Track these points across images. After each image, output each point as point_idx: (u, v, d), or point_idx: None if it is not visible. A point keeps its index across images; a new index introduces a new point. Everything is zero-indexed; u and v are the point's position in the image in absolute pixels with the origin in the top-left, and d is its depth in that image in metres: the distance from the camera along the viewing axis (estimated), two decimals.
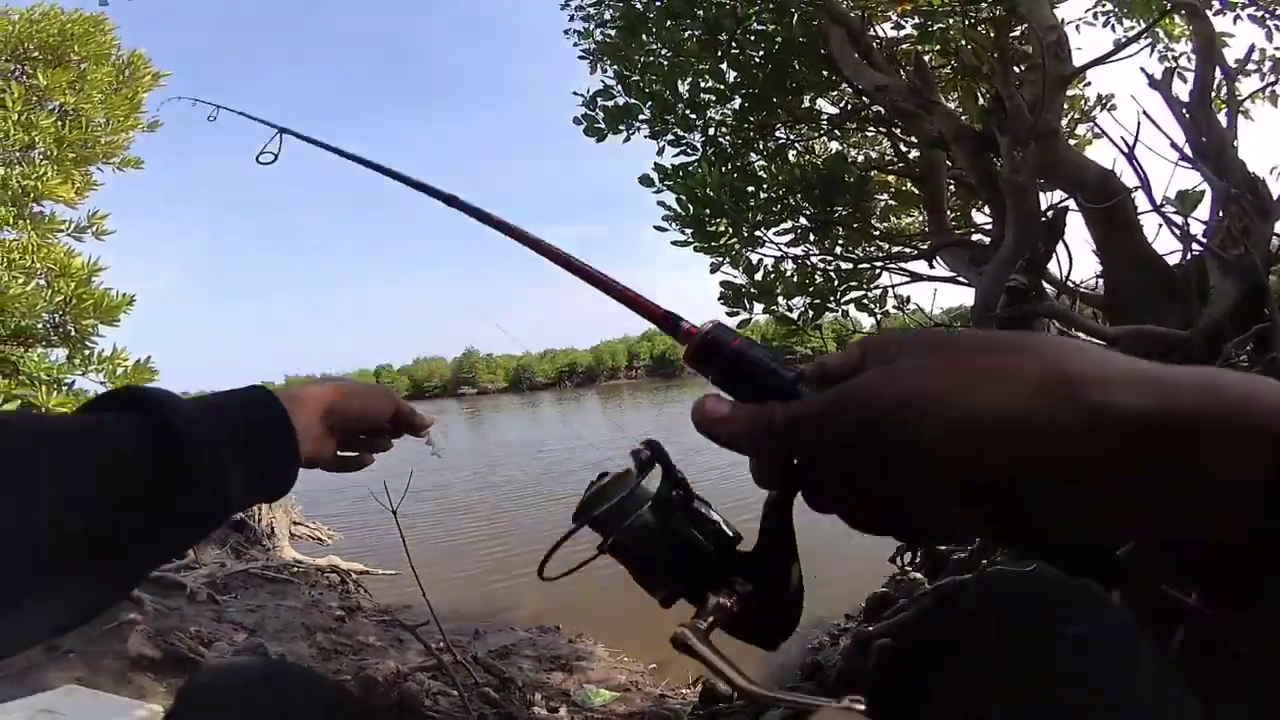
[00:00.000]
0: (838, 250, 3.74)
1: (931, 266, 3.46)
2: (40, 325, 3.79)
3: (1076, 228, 2.80)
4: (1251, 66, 3.35)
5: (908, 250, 3.68)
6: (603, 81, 4.01)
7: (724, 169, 3.77)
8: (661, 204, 3.59)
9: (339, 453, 0.75)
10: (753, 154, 3.99)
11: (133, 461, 0.50)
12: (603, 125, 3.88)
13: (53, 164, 3.89)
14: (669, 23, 3.79)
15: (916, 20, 3.64)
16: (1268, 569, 0.32)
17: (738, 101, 3.90)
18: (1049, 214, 2.63)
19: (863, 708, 0.36)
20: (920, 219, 4.21)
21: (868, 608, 3.88)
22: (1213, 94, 2.62)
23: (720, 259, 3.55)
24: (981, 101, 3.07)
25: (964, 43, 3.40)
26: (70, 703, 1.86)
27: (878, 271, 3.59)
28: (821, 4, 3.34)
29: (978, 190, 3.17)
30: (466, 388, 74.27)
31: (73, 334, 3.85)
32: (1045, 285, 2.73)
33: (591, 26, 4.32)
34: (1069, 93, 3.34)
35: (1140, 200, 2.42)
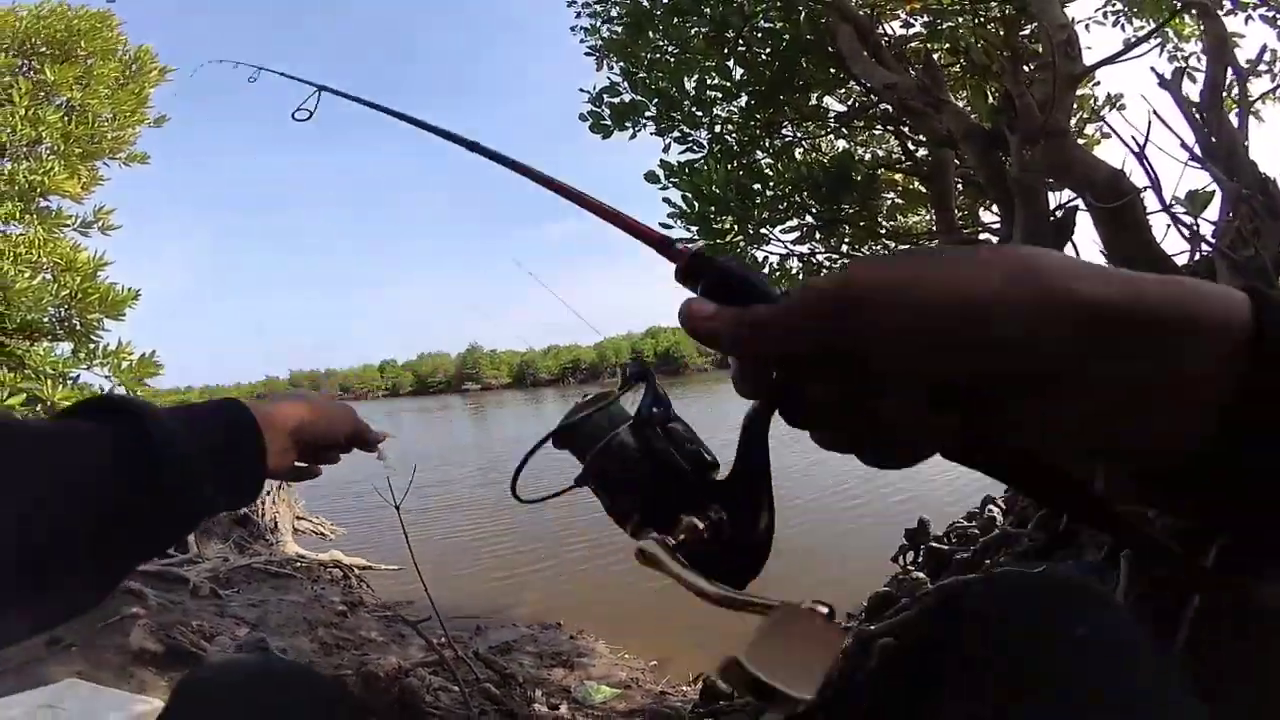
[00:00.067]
0: (844, 248, 3.72)
1: None
2: (46, 319, 3.81)
3: (1085, 228, 2.78)
4: (1263, 67, 3.33)
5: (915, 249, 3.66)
6: (609, 78, 4.01)
7: (730, 166, 3.76)
8: (667, 201, 3.59)
9: (295, 464, 0.78)
10: (759, 151, 3.97)
11: (111, 468, 0.52)
12: (609, 122, 3.87)
13: (59, 159, 3.90)
14: (676, 20, 3.78)
15: (925, 19, 3.62)
16: None
17: (744, 98, 3.89)
18: (1058, 213, 2.61)
19: (826, 610, 0.35)
20: (928, 218, 4.19)
21: (869, 607, 3.87)
22: (1224, 94, 2.60)
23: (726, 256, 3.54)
24: (991, 100, 3.06)
25: (974, 41, 3.38)
26: (71, 697, 1.87)
27: None
28: (830, 2, 3.33)
29: (986, 189, 3.16)
30: (470, 383, 74.43)
31: (78, 328, 3.86)
32: None
33: (598, 23, 4.32)
34: (1078, 92, 3.32)
35: (1150, 200, 2.40)
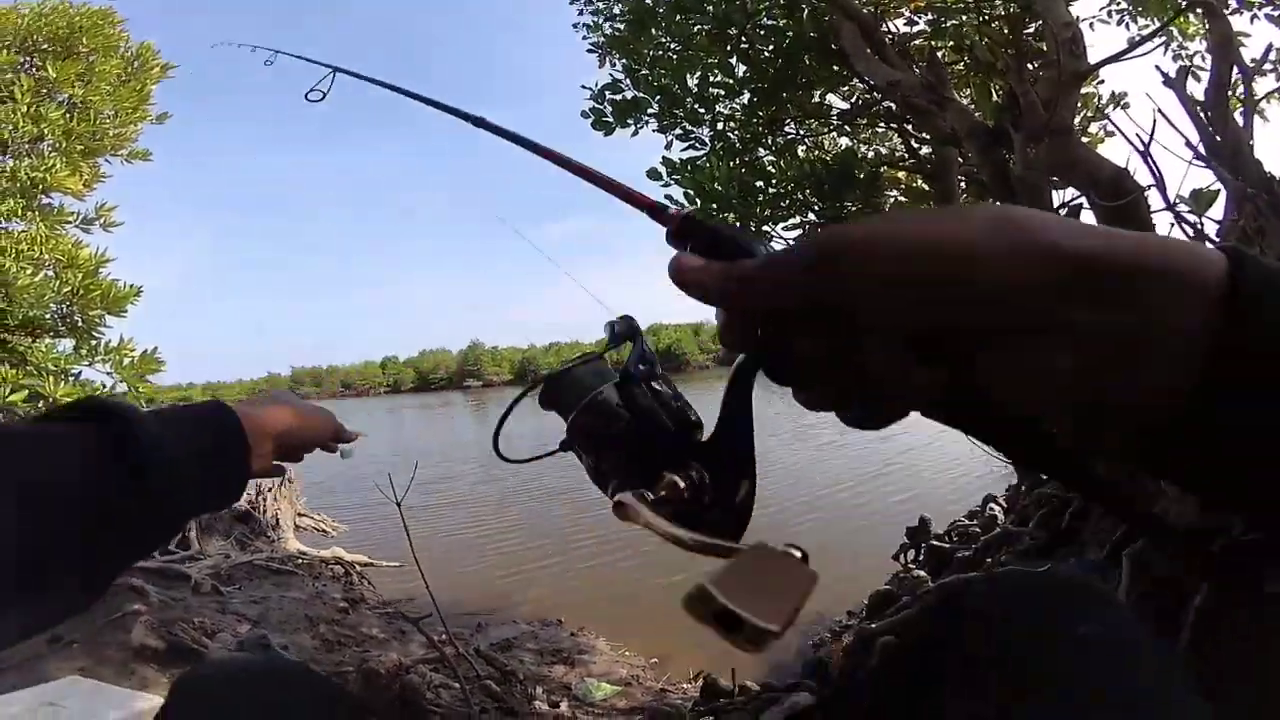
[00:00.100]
0: None
1: None
2: (48, 316, 3.81)
3: None
4: (1268, 66, 3.31)
5: None
6: (611, 75, 4.00)
7: (732, 163, 3.75)
8: (669, 198, 3.58)
9: (272, 464, 0.79)
10: (761, 149, 3.97)
11: (96, 471, 0.52)
12: (611, 119, 3.86)
13: (61, 156, 3.90)
14: (678, 16, 3.77)
15: (929, 16, 3.61)
16: None
17: (747, 95, 3.88)
18: (1062, 211, 2.60)
19: (800, 554, 0.35)
20: None
21: (870, 605, 3.87)
22: (1229, 93, 2.59)
23: None
24: (995, 97, 3.05)
25: (979, 38, 3.37)
26: (72, 694, 1.87)
27: None
28: None
29: (990, 187, 3.15)
30: (472, 380, 74.43)
31: (80, 325, 3.86)
32: None
33: (600, 20, 4.31)
34: (1082, 90, 3.31)
35: (1154, 199, 2.39)
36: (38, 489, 0.48)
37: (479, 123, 0.80)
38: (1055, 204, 2.60)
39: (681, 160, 3.75)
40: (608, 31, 4.26)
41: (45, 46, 3.98)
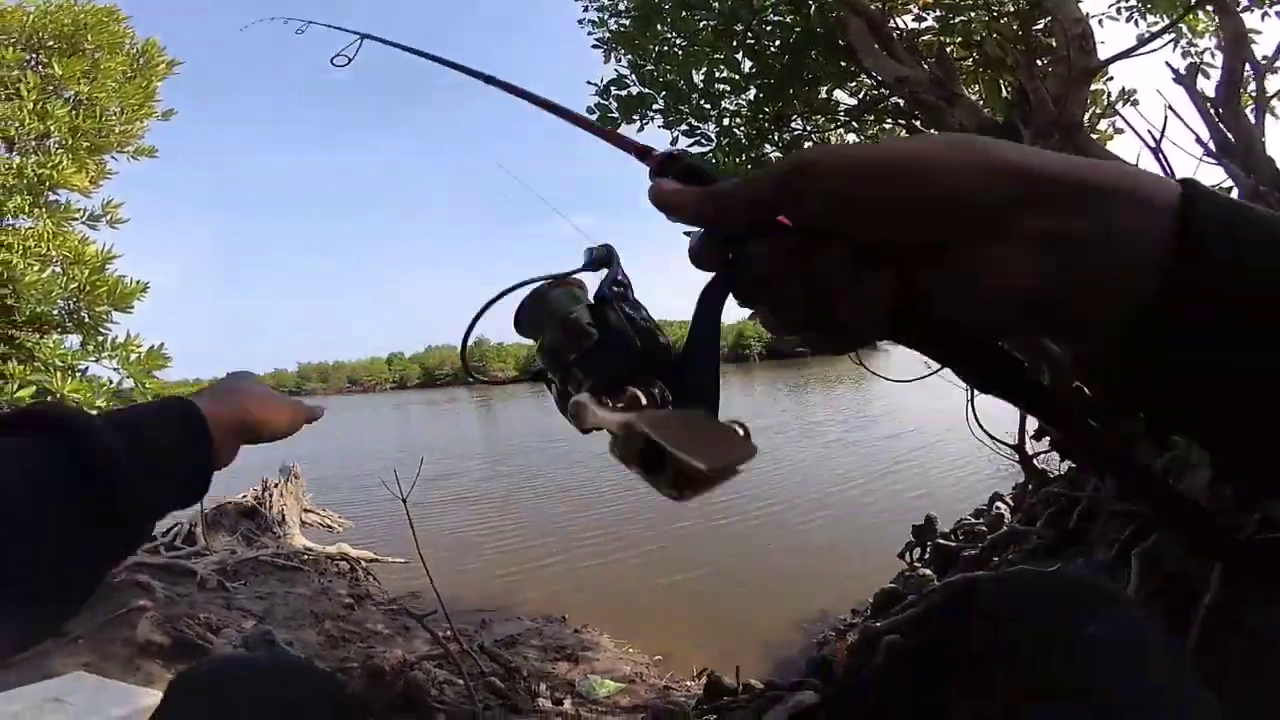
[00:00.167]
0: None
1: None
2: (55, 312, 3.82)
3: None
4: None
5: None
6: (617, 71, 3.98)
7: (738, 160, 3.74)
8: None
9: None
10: (767, 145, 3.95)
11: (49, 490, 0.49)
12: (616, 115, 3.85)
13: (67, 153, 3.90)
14: (684, 13, 3.75)
15: (938, 13, 3.59)
16: None
17: (753, 91, 3.86)
18: None
19: (743, 431, 0.36)
20: None
21: (875, 604, 3.86)
22: (1241, 90, 2.56)
23: None
24: (1005, 94, 3.02)
25: (989, 34, 3.34)
26: (77, 689, 1.87)
27: None
28: None
29: None
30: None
31: (86, 321, 3.87)
32: None
33: (606, 16, 4.29)
34: (1092, 86, 3.28)
35: None
36: None
37: (489, 79, 0.84)
38: None
39: None
40: (613, 27, 4.24)
41: (51, 44, 3.98)
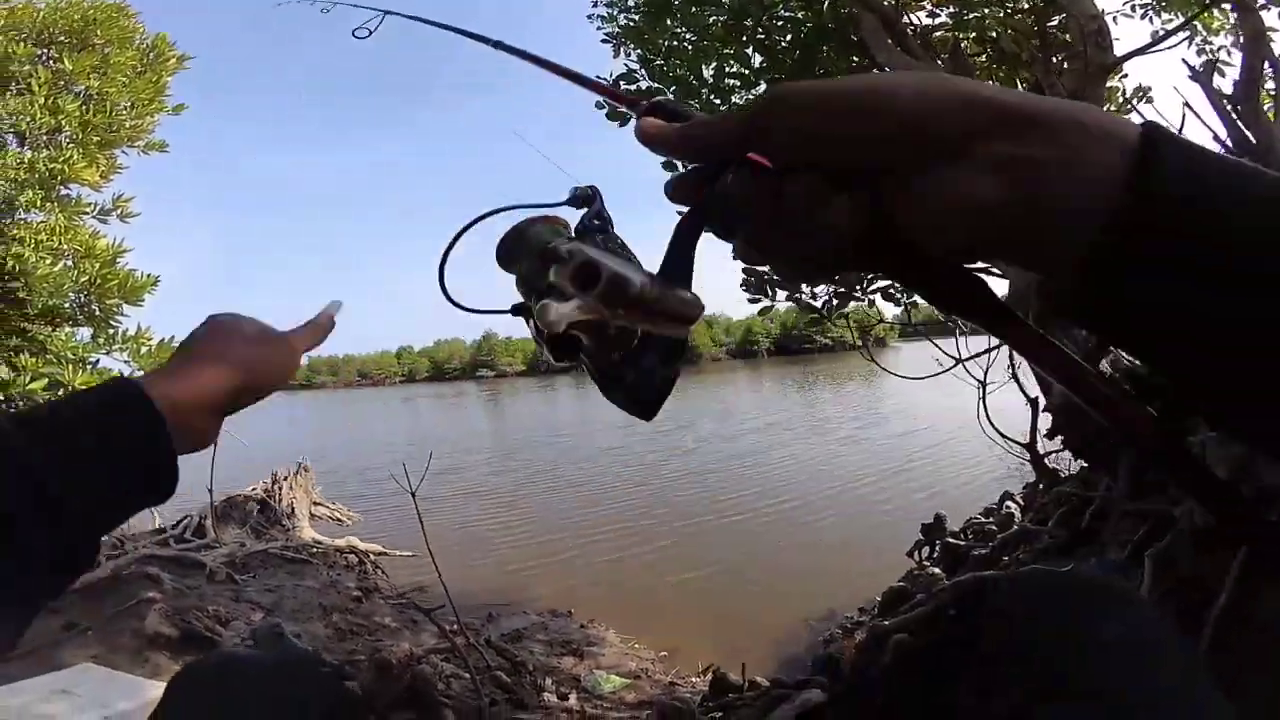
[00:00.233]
0: None
1: None
2: (67, 305, 3.85)
3: None
4: None
5: None
6: (626, 65, 3.96)
7: None
8: None
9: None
10: None
11: None
12: (625, 111, 3.83)
13: (78, 147, 3.92)
14: (694, 8, 3.73)
15: (952, 9, 3.55)
16: None
17: (763, 87, 3.83)
18: None
19: (692, 297, 0.40)
20: None
21: (883, 602, 3.85)
22: (1260, 88, 2.53)
23: None
24: (1020, 89, 2.99)
25: (1004, 30, 3.31)
26: (85, 681, 1.88)
27: None
28: None
29: None
30: (485, 370, 74.79)
31: (97, 314, 3.90)
32: None
33: (615, 11, 4.27)
34: (1107, 83, 3.25)
35: None
36: None
37: (498, 45, 0.87)
38: None
39: None
40: (622, 22, 4.22)
41: (61, 39, 4.00)
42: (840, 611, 4.39)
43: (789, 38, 3.75)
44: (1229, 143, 2.30)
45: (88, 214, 4.04)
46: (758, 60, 3.79)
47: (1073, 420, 3.01)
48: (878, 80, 0.35)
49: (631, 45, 4.10)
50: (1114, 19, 3.81)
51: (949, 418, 9.04)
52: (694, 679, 3.62)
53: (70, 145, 3.93)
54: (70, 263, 3.87)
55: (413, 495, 3.39)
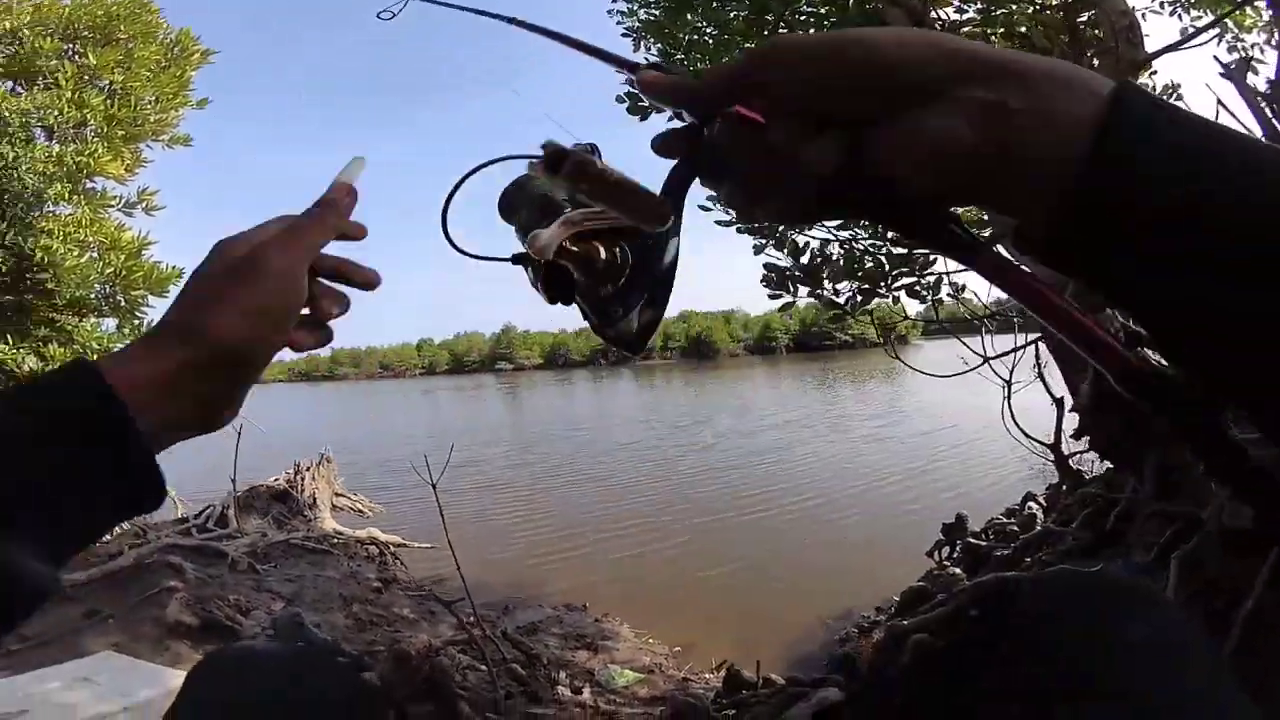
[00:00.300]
0: (890, 234, 3.64)
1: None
2: (93, 296, 3.91)
3: None
4: None
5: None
6: (646, 60, 3.94)
7: None
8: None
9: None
10: None
11: None
12: (646, 104, 3.82)
13: (104, 141, 3.98)
14: (715, 2, 3.70)
15: (979, 5, 3.50)
16: None
17: None
18: None
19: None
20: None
21: (902, 601, 3.82)
22: None
23: (764, 240, 3.48)
24: None
25: (1034, 25, 3.25)
26: (106, 669, 1.91)
27: (932, 258, 3.48)
28: None
29: None
30: (503, 363, 75.20)
31: (123, 304, 3.96)
32: None
33: (635, 5, 4.25)
34: (1138, 80, 3.18)
35: None
36: None
37: (512, 20, 0.87)
38: None
39: None
40: (643, 16, 4.20)
41: (86, 34, 4.06)
42: (856, 610, 4.36)
43: (811, 31, 3.71)
44: (1263, 140, 2.24)
45: (113, 207, 4.10)
46: None
47: (1099, 420, 2.96)
48: (860, 32, 0.37)
49: (652, 39, 4.09)
50: (1143, 15, 3.75)
51: (973, 417, 8.94)
52: (707, 675, 3.61)
53: (95, 139, 3.99)
54: (96, 254, 3.93)
55: (433, 487, 3.41)
